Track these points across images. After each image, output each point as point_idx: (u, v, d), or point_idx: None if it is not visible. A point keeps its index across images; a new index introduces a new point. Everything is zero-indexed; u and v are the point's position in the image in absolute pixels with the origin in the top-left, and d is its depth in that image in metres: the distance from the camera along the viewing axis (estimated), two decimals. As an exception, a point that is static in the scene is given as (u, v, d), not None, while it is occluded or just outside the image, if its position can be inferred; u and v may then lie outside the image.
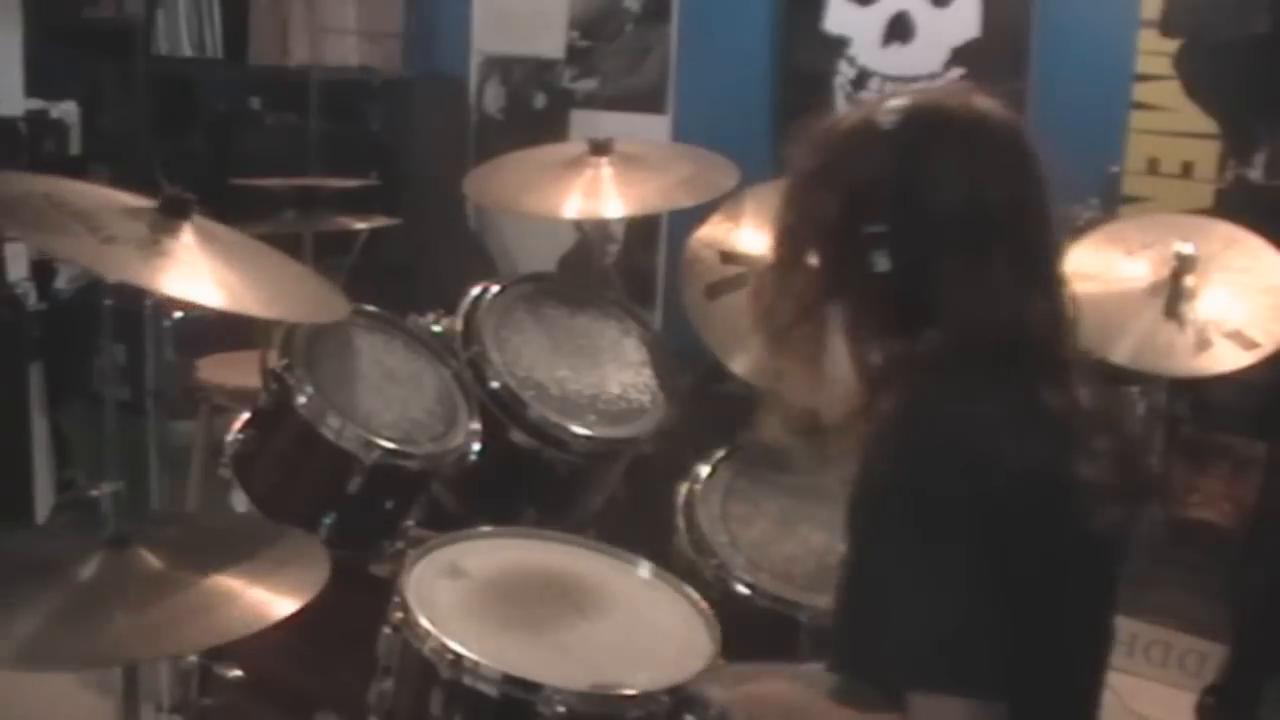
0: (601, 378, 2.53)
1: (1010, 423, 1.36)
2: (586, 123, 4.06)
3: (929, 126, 1.42)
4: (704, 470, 2.36)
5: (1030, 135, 1.44)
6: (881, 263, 1.39)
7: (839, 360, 1.46)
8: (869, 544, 1.36)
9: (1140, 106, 3.23)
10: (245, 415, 2.25)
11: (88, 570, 1.63)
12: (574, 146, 3.09)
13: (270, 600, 1.63)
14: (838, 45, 3.66)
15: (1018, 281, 1.39)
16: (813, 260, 1.44)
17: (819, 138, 1.47)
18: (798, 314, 1.47)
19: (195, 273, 1.93)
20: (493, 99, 4.42)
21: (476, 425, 2.29)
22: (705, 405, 2.67)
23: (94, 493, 3.45)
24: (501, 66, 4.39)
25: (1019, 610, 1.32)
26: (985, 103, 1.44)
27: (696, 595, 1.91)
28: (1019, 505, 1.33)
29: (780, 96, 3.79)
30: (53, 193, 1.97)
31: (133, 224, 1.95)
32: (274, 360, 2.16)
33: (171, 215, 2.00)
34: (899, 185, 1.39)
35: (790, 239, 1.48)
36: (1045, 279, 1.43)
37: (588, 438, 2.40)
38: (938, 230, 1.38)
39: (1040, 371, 1.40)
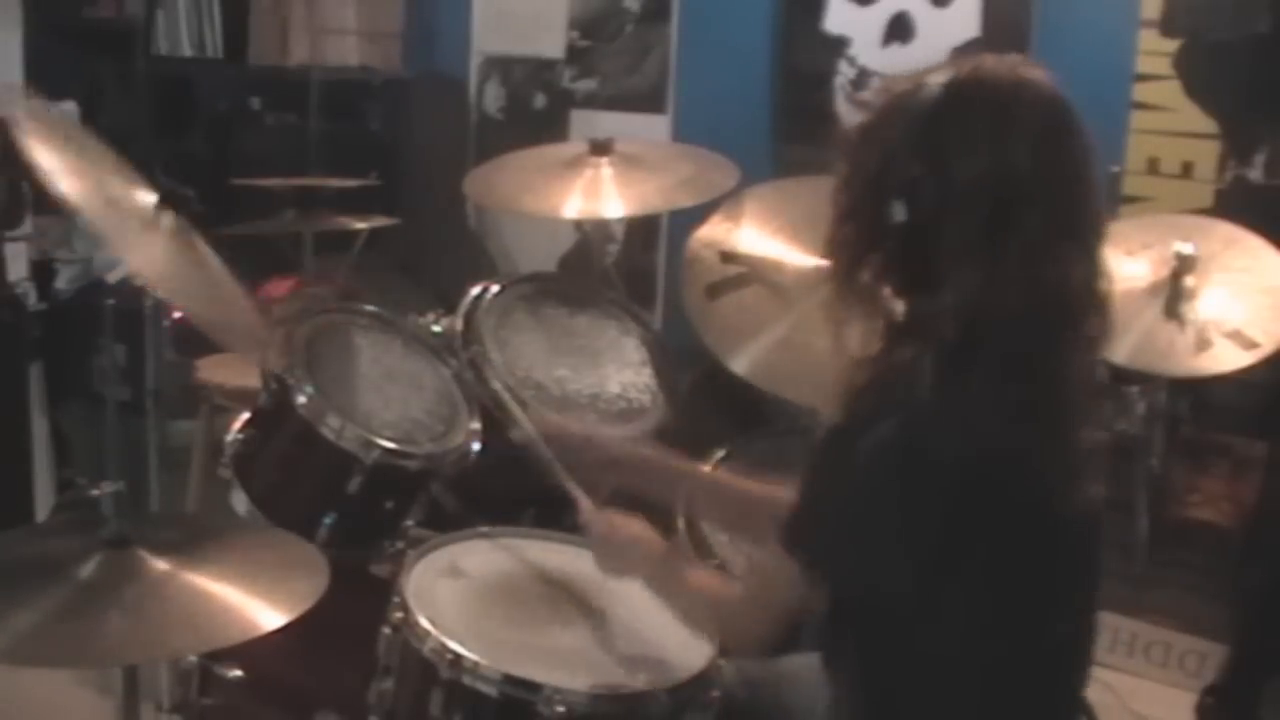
0: (601, 378, 2.53)
1: (1011, 401, 1.39)
2: (586, 123, 4.05)
3: (965, 93, 1.44)
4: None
5: (1072, 107, 1.45)
6: (900, 215, 1.43)
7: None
8: (842, 470, 1.44)
9: (1140, 106, 3.23)
10: (245, 415, 2.25)
11: (87, 570, 1.63)
12: (574, 146, 3.09)
13: (268, 607, 1.63)
14: (838, 45, 3.66)
15: (1042, 251, 1.41)
16: (858, 212, 1.49)
17: (876, 99, 1.51)
18: (848, 262, 1.51)
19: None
20: (493, 99, 4.42)
21: (476, 425, 2.29)
22: (705, 405, 2.67)
23: (94, 493, 3.45)
24: (501, 66, 4.39)
25: (998, 588, 1.41)
26: (1031, 72, 1.45)
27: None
28: (1008, 483, 1.39)
29: (780, 96, 3.79)
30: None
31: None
32: (274, 360, 2.16)
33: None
34: (928, 147, 1.42)
35: (841, 191, 1.52)
36: (1080, 249, 1.44)
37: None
38: (959, 194, 1.41)
39: (1055, 344, 1.43)
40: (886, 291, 1.49)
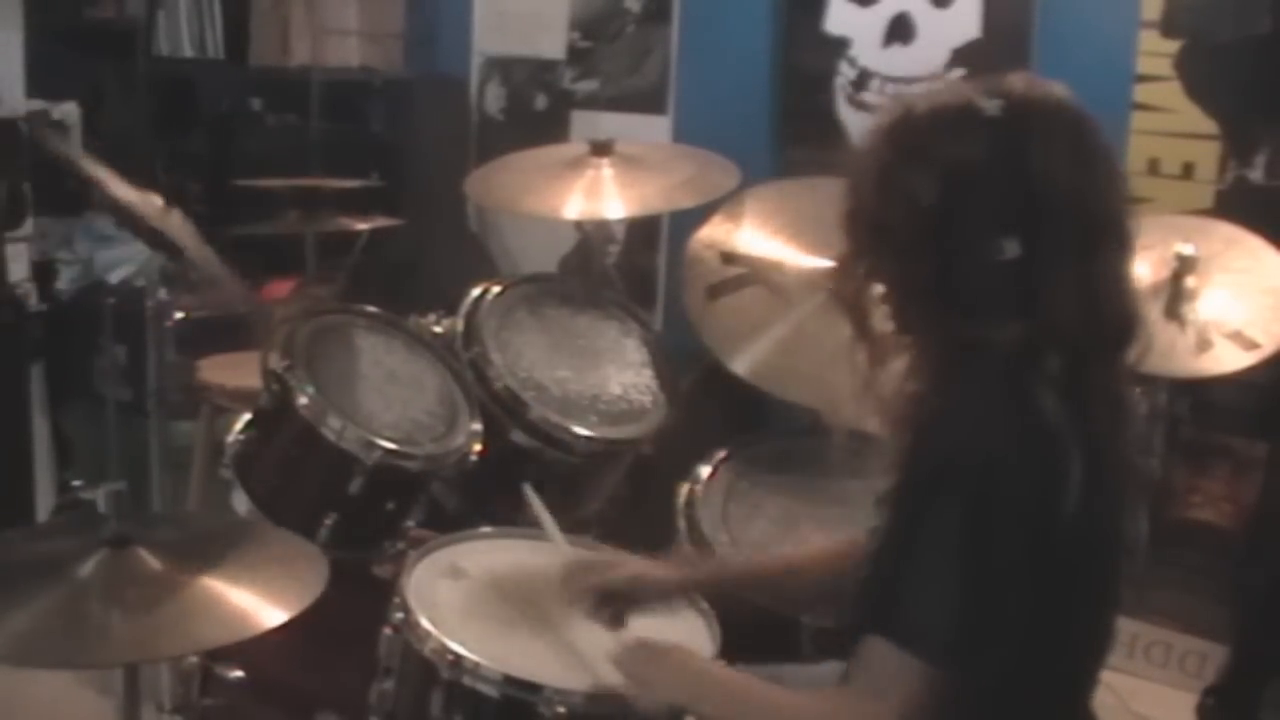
0: (602, 378, 2.54)
1: (1068, 429, 1.36)
2: (587, 123, 4.05)
3: (1035, 114, 1.40)
4: (704, 471, 2.36)
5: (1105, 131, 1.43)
6: (987, 248, 1.36)
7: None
8: (912, 524, 1.36)
9: (1141, 107, 3.23)
10: (246, 416, 2.25)
11: (87, 570, 1.63)
12: (575, 147, 3.09)
13: (268, 606, 1.63)
14: (838, 46, 3.66)
15: (1118, 279, 1.40)
16: (902, 244, 1.41)
17: (899, 123, 1.44)
18: (889, 302, 1.45)
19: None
20: (494, 100, 4.42)
21: (477, 426, 2.30)
22: (706, 406, 2.68)
23: (95, 493, 3.45)
24: (502, 67, 4.38)
25: (1035, 606, 1.35)
26: (1068, 94, 1.43)
27: (697, 595, 1.91)
28: (1067, 514, 1.35)
29: (781, 97, 3.79)
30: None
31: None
32: (275, 360, 2.16)
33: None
34: (1009, 172, 1.37)
35: (874, 224, 1.44)
36: (1129, 267, 1.43)
37: (588, 438, 2.40)
38: (1050, 218, 1.37)
39: (1108, 374, 1.41)
40: (927, 321, 1.44)
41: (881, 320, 1.48)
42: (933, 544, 1.33)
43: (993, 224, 1.37)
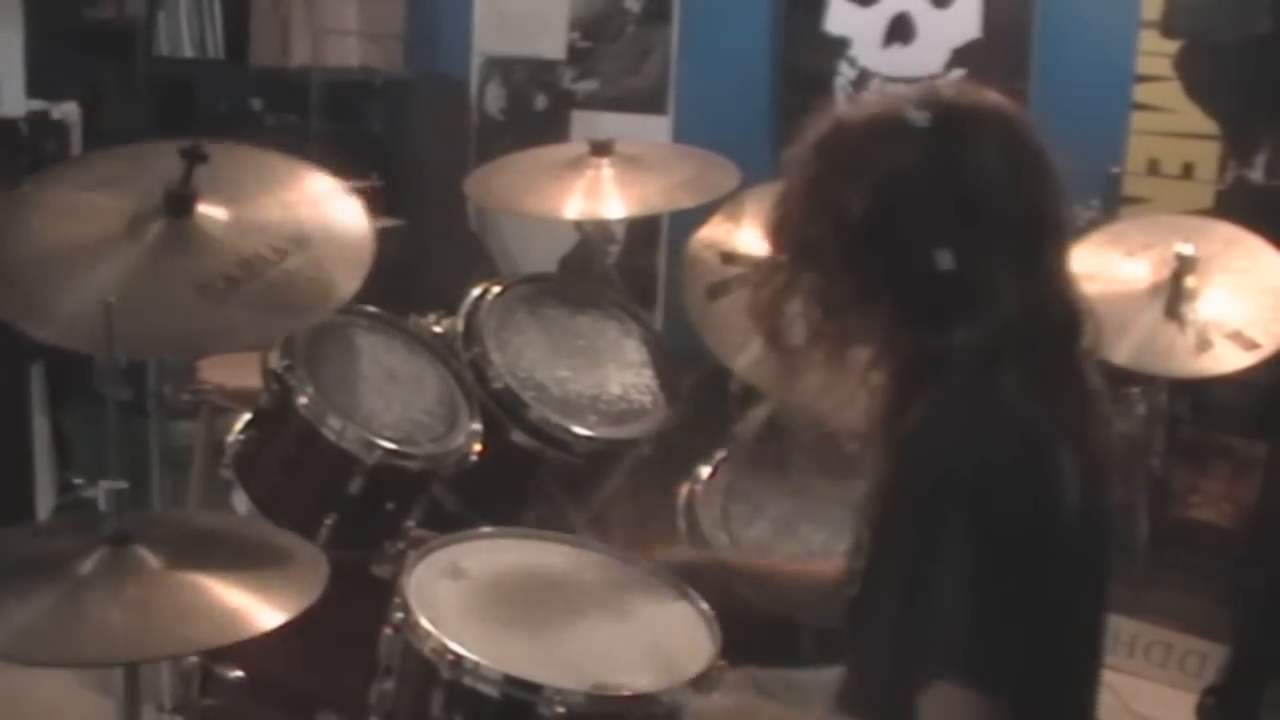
0: (602, 378, 2.54)
1: (1050, 428, 1.36)
2: (587, 123, 4.06)
3: (965, 121, 1.40)
4: (704, 471, 2.36)
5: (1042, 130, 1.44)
6: (927, 256, 1.36)
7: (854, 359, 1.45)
8: (922, 548, 1.32)
9: (1140, 107, 3.24)
10: (246, 416, 2.25)
11: (87, 568, 1.63)
12: (575, 147, 3.09)
13: (267, 607, 1.63)
14: (838, 46, 3.67)
15: (1062, 274, 1.41)
16: (835, 257, 1.41)
17: (829, 136, 1.44)
18: (824, 314, 1.44)
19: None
20: (494, 100, 4.43)
21: (477, 426, 2.30)
22: (705, 405, 2.67)
23: (94, 493, 3.45)
24: (502, 67, 4.39)
25: (1041, 613, 1.33)
26: (1001, 98, 1.43)
27: (697, 595, 1.91)
28: (1071, 507, 1.35)
29: (780, 97, 3.79)
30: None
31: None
32: (275, 361, 2.16)
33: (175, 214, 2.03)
34: (942, 179, 1.37)
35: (804, 237, 1.44)
36: (1067, 259, 1.44)
37: (588, 438, 2.40)
38: (989, 223, 1.37)
39: (1069, 366, 1.41)
40: (881, 336, 1.43)
41: (796, 333, 1.48)
42: (949, 571, 1.30)
43: (925, 235, 1.37)
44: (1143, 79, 3.23)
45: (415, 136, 4.49)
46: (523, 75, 4.34)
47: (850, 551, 1.51)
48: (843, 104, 1.50)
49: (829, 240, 1.41)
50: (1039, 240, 1.40)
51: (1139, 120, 3.25)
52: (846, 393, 1.46)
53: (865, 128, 1.42)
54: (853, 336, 1.45)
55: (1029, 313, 1.38)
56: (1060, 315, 1.41)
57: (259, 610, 1.62)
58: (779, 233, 1.48)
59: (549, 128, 4.17)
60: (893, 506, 1.39)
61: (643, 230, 3.98)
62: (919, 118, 1.39)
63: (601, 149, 2.88)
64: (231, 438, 2.23)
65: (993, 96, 1.43)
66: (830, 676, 1.67)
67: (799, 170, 1.45)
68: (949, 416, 1.37)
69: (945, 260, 1.36)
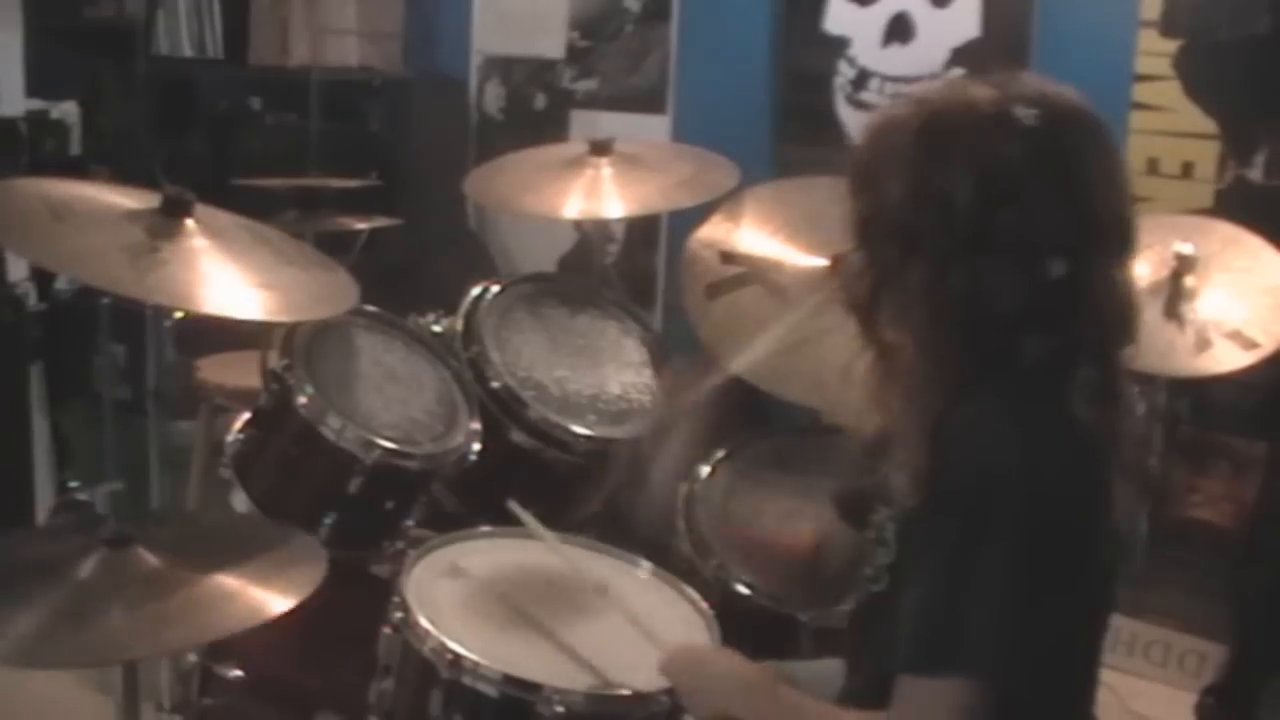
0: (601, 378, 2.54)
1: (1106, 444, 1.36)
2: (586, 123, 4.05)
3: (1069, 121, 1.37)
4: (704, 470, 2.36)
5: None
6: (1038, 261, 1.32)
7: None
8: (963, 544, 1.31)
9: (1140, 107, 3.23)
10: (246, 415, 2.25)
11: (87, 569, 1.63)
12: (574, 147, 3.09)
13: (268, 598, 1.63)
14: (838, 45, 3.66)
15: (1132, 281, 1.40)
16: (931, 251, 1.36)
17: (929, 123, 1.37)
18: (902, 303, 1.39)
19: (192, 278, 1.95)
20: (493, 99, 4.42)
21: (476, 425, 2.30)
22: (705, 405, 2.67)
23: (93, 493, 3.45)
24: (502, 67, 4.38)
25: (1046, 610, 1.33)
26: (1083, 97, 1.40)
27: (696, 595, 1.91)
28: (1105, 520, 1.36)
29: (780, 96, 3.79)
30: (54, 198, 1.99)
31: (132, 228, 1.97)
32: (274, 360, 2.16)
33: (173, 216, 2.02)
34: (1052, 180, 1.34)
35: (904, 226, 1.38)
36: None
37: (588, 438, 2.40)
38: (1089, 230, 1.35)
39: (1120, 376, 1.40)
40: (943, 328, 1.38)
41: (890, 327, 1.43)
42: (987, 570, 1.29)
43: (1039, 241, 1.34)
44: (1142, 78, 3.23)
45: (414, 136, 4.49)
46: (522, 75, 4.33)
47: (871, 545, 1.50)
48: (922, 91, 1.42)
49: (927, 232, 1.36)
50: (1126, 248, 1.39)
51: (1138, 120, 3.24)
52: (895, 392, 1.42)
53: (970, 119, 1.36)
54: (932, 336, 1.39)
55: (1110, 323, 1.37)
56: (1128, 325, 1.40)
57: (259, 608, 1.62)
58: (869, 222, 1.42)
59: (548, 127, 4.16)
60: (930, 502, 1.35)
61: (642, 230, 3.97)
62: (1027, 115, 1.35)
63: (601, 148, 2.88)
64: (231, 437, 2.23)
65: (1077, 95, 1.40)
66: (826, 668, 1.67)
67: (891, 156, 1.39)
68: (1006, 419, 1.34)
69: (1057, 268, 1.33)
